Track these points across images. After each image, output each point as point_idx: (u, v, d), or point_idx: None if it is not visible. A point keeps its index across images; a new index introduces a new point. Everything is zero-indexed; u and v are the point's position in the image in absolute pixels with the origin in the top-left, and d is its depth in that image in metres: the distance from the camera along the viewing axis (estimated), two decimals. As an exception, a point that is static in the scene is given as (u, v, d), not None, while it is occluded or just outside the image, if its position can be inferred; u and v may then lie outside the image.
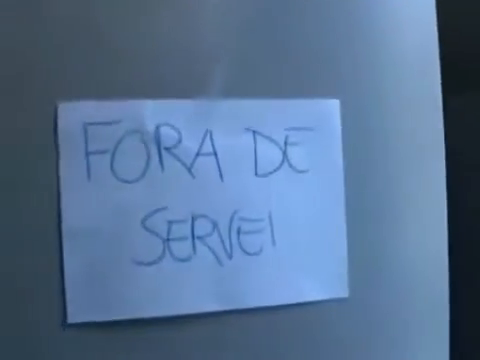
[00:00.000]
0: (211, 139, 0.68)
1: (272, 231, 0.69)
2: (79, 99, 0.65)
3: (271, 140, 0.70)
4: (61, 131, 0.64)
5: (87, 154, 0.65)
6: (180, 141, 0.67)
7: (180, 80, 0.67)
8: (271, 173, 0.70)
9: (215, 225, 0.68)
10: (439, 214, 0.77)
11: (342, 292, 0.72)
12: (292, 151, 0.70)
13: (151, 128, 0.66)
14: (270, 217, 0.69)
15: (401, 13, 0.75)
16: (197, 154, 0.67)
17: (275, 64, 0.70)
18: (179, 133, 0.67)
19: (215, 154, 0.68)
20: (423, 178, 0.76)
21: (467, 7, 0.99)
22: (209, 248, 0.67)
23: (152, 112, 0.66)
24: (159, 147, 0.66)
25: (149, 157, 0.66)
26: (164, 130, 0.66)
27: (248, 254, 0.68)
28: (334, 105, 0.72)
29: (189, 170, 0.67)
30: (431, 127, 0.76)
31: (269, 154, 0.70)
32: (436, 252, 0.76)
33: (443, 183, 0.76)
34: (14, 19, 0.63)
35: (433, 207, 0.76)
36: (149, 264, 0.66)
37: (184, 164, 0.67)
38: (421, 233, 0.76)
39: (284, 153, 0.70)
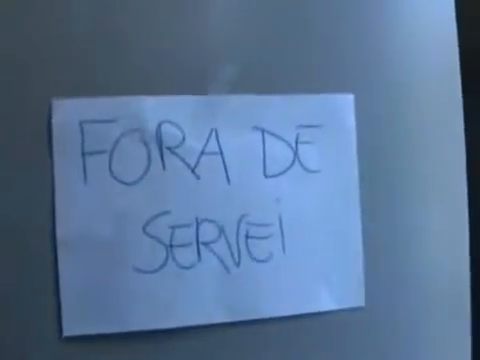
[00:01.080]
0: (217, 138, 0.66)
1: (282, 236, 0.67)
2: (75, 95, 0.63)
3: (281, 138, 0.68)
4: (56, 129, 0.63)
5: (83, 154, 0.63)
6: (183, 140, 0.65)
7: (183, 75, 0.66)
8: (281, 174, 0.68)
9: (221, 230, 0.66)
10: (460, 218, 0.75)
11: (358, 301, 0.70)
12: (304, 150, 0.68)
13: (152, 126, 0.64)
14: (280, 221, 0.67)
15: (420, 7, 0.74)
16: (202, 154, 0.66)
17: (285, 58, 0.68)
18: (182, 131, 0.65)
19: (221, 154, 0.66)
20: (443, 179, 0.74)
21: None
22: (215, 254, 0.66)
23: (153, 109, 0.65)
24: (161, 146, 0.65)
25: (150, 157, 0.64)
26: (166, 128, 0.65)
27: (257, 261, 0.67)
28: (348, 100, 0.70)
29: (193, 171, 0.65)
30: (451, 125, 0.75)
31: (279, 153, 0.68)
32: (456, 259, 0.74)
33: (464, 185, 0.75)
34: (8, 15, 0.62)
35: (453, 211, 0.75)
36: (151, 272, 0.64)
37: (188, 165, 0.65)
38: (440, 238, 0.74)
39: (295, 152, 0.68)
